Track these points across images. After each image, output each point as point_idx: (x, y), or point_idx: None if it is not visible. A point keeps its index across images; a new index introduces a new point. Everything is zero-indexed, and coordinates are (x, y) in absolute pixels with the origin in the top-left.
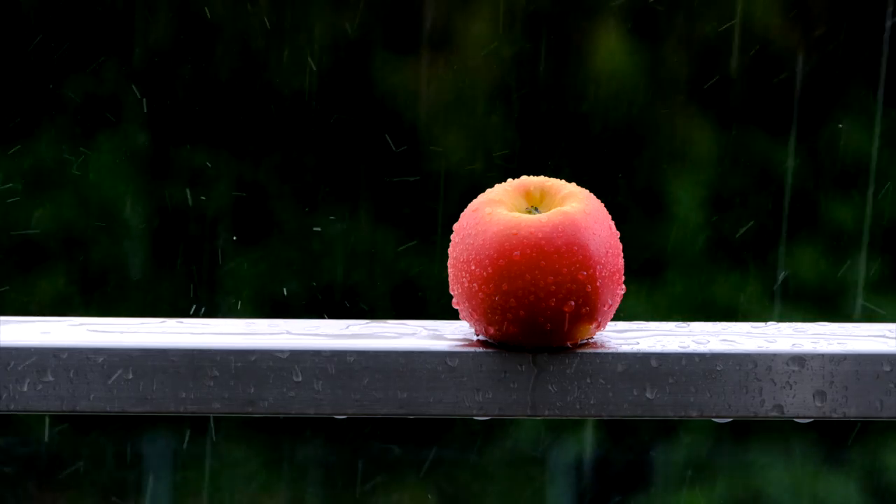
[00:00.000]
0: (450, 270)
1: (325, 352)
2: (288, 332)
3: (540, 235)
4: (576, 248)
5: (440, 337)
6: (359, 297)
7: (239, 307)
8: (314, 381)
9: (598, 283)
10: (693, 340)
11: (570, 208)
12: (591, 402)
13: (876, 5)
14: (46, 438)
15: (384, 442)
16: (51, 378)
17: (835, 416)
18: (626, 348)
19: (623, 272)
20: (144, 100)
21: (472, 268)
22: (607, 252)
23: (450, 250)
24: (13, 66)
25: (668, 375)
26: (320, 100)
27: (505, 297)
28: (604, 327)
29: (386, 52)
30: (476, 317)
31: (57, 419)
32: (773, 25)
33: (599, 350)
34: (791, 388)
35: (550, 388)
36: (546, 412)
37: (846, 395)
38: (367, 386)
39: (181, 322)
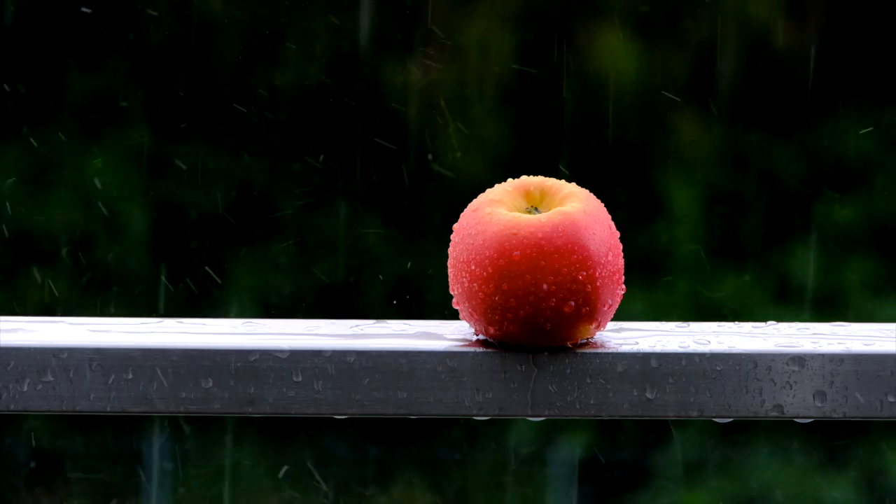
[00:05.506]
0: (450, 270)
1: (325, 352)
2: (288, 332)
3: (540, 235)
4: (576, 248)
5: (440, 337)
6: (359, 297)
7: (239, 307)
8: (314, 381)
9: (598, 283)
10: (693, 340)
11: (570, 208)
12: (591, 402)
13: (876, 5)
14: (46, 438)
15: (384, 442)
16: (51, 378)
17: (835, 416)
18: (626, 348)
19: (623, 272)
20: (145, 98)
21: (472, 268)
22: (607, 252)
23: (450, 250)
24: (13, 65)
25: (668, 375)
26: (321, 99)
27: (505, 297)
28: (604, 327)
29: (386, 51)
30: (476, 317)
31: (56, 419)
32: (772, 25)
33: (599, 350)
34: (791, 388)
35: (550, 388)
36: (546, 412)
37: (846, 395)
38: (367, 386)
39: (181, 322)
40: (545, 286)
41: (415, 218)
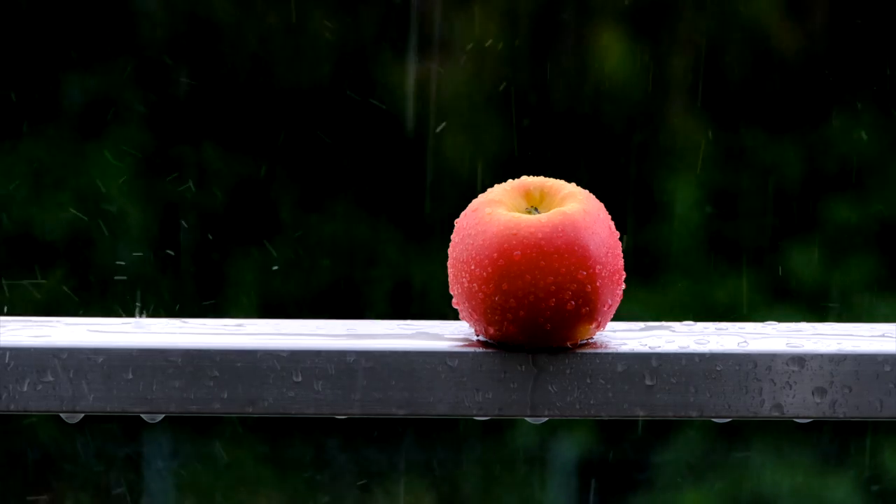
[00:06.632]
0: (450, 270)
1: (325, 352)
2: (288, 332)
3: (540, 235)
4: (576, 248)
5: (440, 337)
6: (358, 297)
7: (239, 307)
8: (314, 381)
9: (598, 283)
10: (693, 340)
11: (570, 208)
12: (591, 402)
13: (876, 5)
14: (46, 438)
15: (384, 442)
16: (51, 378)
17: (835, 416)
18: (626, 348)
19: (623, 272)
20: (145, 98)
21: (472, 268)
22: (607, 252)
23: (450, 250)
24: (13, 65)
25: (668, 375)
26: (320, 100)
27: (505, 297)
28: (604, 327)
29: (386, 52)
30: (476, 317)
31: (56, 419)
32: (773, 25)
33: (599, 350)
34: (791, 388)
35: (550, 388)
36: (546, 412)
37: (846, 395)
38: (367, 386)
39: (181, 322)
40: (545, 286)
41: (415, 218)
